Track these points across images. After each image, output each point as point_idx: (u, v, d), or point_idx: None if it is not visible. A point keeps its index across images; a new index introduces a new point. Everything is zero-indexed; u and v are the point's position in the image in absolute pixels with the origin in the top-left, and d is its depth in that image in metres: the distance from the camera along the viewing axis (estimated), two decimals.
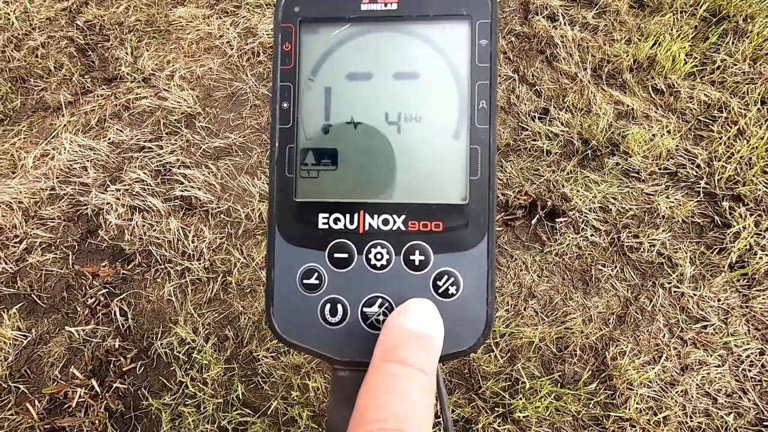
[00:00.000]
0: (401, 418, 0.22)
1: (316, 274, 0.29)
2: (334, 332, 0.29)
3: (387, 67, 0.30)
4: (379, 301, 0.28)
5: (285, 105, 0.30)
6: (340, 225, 0.29)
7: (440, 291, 0.28)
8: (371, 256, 0.29)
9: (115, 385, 1.20)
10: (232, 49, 1.73)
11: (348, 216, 0.29)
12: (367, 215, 0.29)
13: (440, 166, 0.29)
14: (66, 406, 1.18)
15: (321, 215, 0.29)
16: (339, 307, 0.29)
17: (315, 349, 0.29)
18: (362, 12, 0.30)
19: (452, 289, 0.28)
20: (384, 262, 0.29)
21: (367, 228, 0.29)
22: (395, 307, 0.28)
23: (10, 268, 1.37)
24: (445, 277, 0.28)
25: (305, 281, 0.29)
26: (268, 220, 0.30)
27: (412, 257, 0.29)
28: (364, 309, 0.29)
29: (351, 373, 0.28)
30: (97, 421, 1.17)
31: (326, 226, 0.29)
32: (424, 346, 0.25)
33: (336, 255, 0.29)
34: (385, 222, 0.29)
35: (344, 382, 0.28)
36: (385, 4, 0.30)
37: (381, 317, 0.28)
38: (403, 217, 0.29)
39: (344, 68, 0.30)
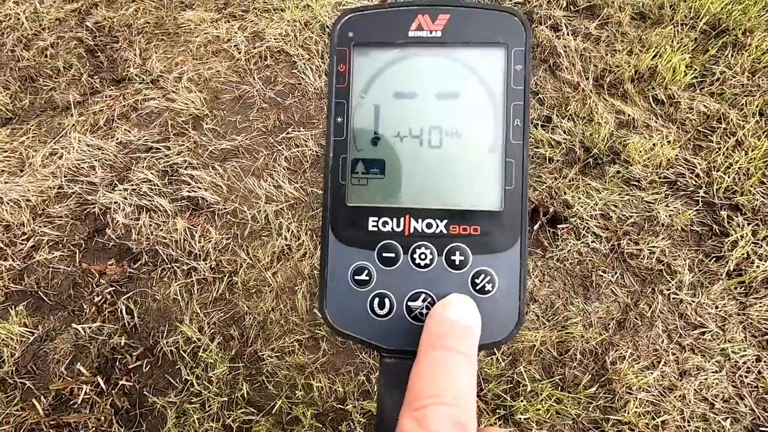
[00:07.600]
0: (454, 395, 0.25)
1: (366, 271, 0.32)
2: (382, 323, 0.31)
3: (430, 87, 0.33)
4: (423, 296, 0.31)
5: (339, 119, 0.33)
6: (388, 228, 0.32)
7: (477, 288, 0.31)
8: (416, 256, 0.32)
9: (120, 383, 1.22)
10: (239, 53, 1.75)
11: (395, 220, 0.32)
12: (412, 219, 0.32)
13: (478, 177, 0.32)
14: (72, 402, 1.19)
15: (371, 218, 0.32)
16: (386, 301, 0.31)
17: (364, 338, 0.32)
18: (409, 38, 0.33)
19: (488, 287, 0.31)
20: (427, 261, 0.31)
21: (412, 231, 0.32)
22: (437, 301, 0.31)
23: (18, 265, 1.38)
24: (482, 275, 0.31)
25: (356, 277, 0.32)
26: (322, 222, 0.33)
27: (452, 257, 0.31)
28: (409, 303, 0.31)
29: (397, 360, 0.31)
30: (102, 418, 1.18)
31: (375, 229, 0.32)
32: (467, 335, 0.28)
33: (384, 254, 0.32)
34: (429, 225, 0.32)
35: (392, 368, 0.30)
36: (431, 32, 0.32)
37: (424, 311, 0.31)
38: (445, 221, 0.32)
39: (392, 88, 0.33)
